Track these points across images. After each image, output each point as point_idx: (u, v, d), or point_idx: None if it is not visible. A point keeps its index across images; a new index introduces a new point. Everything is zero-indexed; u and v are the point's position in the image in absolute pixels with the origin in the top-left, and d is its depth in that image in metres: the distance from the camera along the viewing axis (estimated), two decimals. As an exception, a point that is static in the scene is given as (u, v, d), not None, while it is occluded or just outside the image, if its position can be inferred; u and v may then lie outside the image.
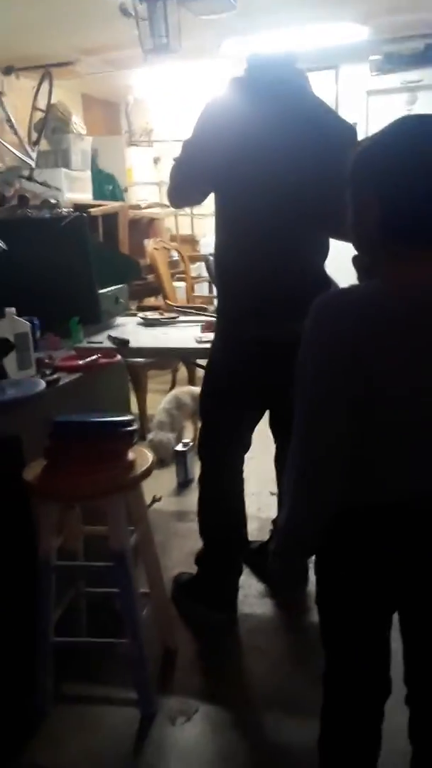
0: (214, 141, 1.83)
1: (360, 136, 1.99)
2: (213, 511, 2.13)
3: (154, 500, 2.88)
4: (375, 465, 1.07)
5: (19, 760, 1.65)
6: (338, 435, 1.04)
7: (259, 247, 1.84)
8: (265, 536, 2.45)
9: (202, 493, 2.14)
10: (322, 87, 1.79)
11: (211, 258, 4.37)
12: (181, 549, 2.55)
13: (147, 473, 1.75)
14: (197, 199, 2.02)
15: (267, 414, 2.12)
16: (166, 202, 5.04)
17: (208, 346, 2.19)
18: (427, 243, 1.00)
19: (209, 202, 2.03)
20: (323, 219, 1.81)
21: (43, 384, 1.95)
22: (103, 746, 1.69)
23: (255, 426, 2.13)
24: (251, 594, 2.26)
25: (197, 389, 3.45)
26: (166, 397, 3.55)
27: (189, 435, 3.52)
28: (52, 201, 2.85)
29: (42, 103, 4.38)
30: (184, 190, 1.98)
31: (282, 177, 1.80)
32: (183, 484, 3.12)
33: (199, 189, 1.95)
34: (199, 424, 3.35)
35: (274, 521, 2.40)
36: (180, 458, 3.12)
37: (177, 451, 3.15)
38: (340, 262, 1.94)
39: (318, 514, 1.08)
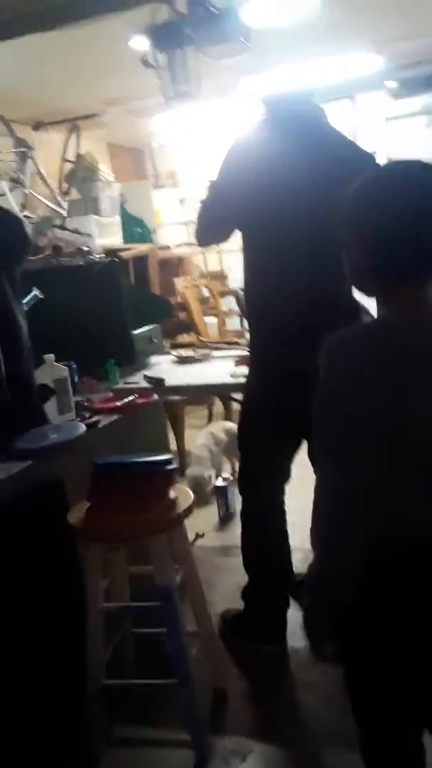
0: (239, 182, 1.88)
1: (381, 163, 2.02)
2: (256, 544, 2.12)
3: (198, 536, 2.89)
4: (406, 502, 1.02)
5: (76, 806, 1.65)
6: (362, 472, 0.99)
7: (291, 281, 1.87)
8: (311, 568, 2.42)
9: (245, 527, 2.14)
10: (341, 117, 1.83)
11: (241, 292, 4.44)
12: (227, 584, 2.53)
13: (189, 511, 1.77)
14: (224, 238, 2.07)
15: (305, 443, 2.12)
16: (194, 240, 5.12)
17: (242, 380, 2.21)
18: (410, 281, 1.03)
19: (236, 237, 2.08)
20: None
21: (83, 427, 2.00)
22: (158, 790, 1.68)
23: (294, 456, 2.13)
24: (300, 628, 2.23)
25: (231, 424, 3.47)
26: (200, 434, 3.57)
27: (227, 470, 3.52)
28: (85, 248, 2.94)
29: (70, 155, 4.56)
30: (211, 231, 2.04)
31: (307, 212, 1.83)
32: (225, 519, 3.12)
33: (226, 228, 2.00)
34: (235, 459, 3.36)
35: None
36: (221, 493, 3.13)
37: (217, 487, 3.15)
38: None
39: (352, 551, 1.02)
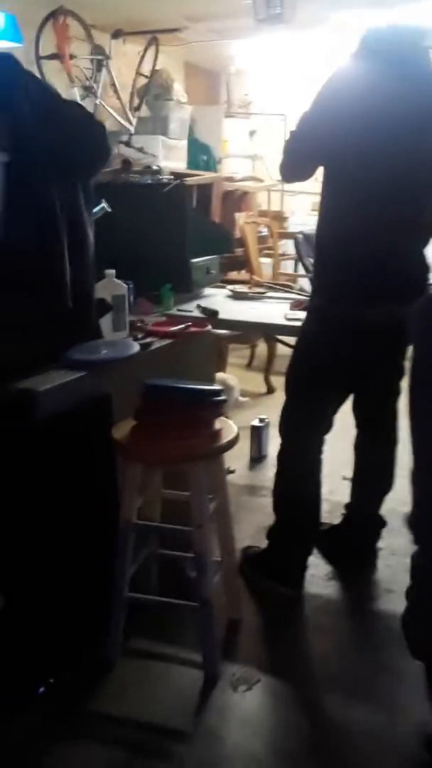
0: (334, 115, 1.80)
1: None
2: (290, 489, 2.13)
3: (228, 472, 2.91)
4: None
5: (85, 706, 1.72)
6: None
7: (373, 226, 1.81)
8: (336, 519, 2.44)
9: (281, 470, 2.14)
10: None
11: (301, 237, 4.32)
12: (251, 522, 2.57)
13: (232, 443, 1.77)
14: (308, 175, 1.99)
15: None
16: (259, 175, 4.94)
17: (297, 324, 2.17)
18: None
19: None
20: None
21: (137, 346, 1.99)
22: (165, 702, 1.74)
23: (339, 408, 2.11)
24: (318, 575, 2.26)
25: (226, 376, 3.39)
26: None
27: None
28: (155, 167, 2.86)
29: (146, 69, 4.40)
30: (298, 166, 1.96)
31: (401, 155, 1.76)
32: (256, 459, 3.14)
33: (312, 164, 1.92)
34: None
35: (346, 505, 2.38)
36: (255, 433, 3.14)
37: (253, 426, 3.16)
38: None
39: None
